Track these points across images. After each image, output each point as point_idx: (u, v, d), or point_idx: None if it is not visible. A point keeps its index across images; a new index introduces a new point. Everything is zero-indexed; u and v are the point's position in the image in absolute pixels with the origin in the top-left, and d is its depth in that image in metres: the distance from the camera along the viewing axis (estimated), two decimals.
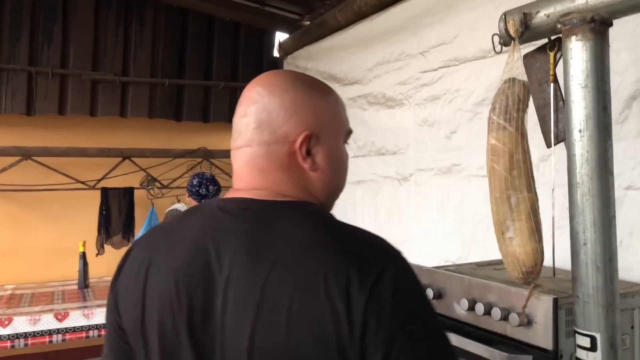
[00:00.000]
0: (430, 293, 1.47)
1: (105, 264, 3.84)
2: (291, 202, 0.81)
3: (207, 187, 3.08)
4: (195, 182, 3.10)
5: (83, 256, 3.49)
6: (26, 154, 3.50)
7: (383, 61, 2.65)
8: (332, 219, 0.81)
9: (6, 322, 2.61)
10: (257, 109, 0.82)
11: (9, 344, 2.60)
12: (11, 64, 3.42)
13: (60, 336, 2.70)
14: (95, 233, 3.72)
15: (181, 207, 3.44)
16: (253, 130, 0.82)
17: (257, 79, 0.87)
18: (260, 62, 4.15)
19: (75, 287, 3.52)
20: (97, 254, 3.69)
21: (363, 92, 2.81)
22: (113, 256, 3.79)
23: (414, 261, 0.90)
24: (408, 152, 2.41)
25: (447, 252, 2.13)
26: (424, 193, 2.28)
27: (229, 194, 0.85)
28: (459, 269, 1.54)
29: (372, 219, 2.58)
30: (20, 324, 2.63)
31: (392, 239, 0.79)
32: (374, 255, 0.74)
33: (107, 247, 3.72)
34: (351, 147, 2.99)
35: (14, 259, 3.76)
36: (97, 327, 2.77)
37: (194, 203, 3.03)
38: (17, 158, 3.51)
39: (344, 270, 0.70)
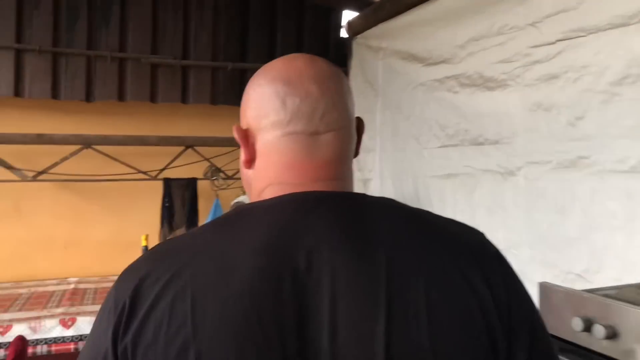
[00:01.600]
0: (578, 325, 1.14)
1: None
2: (366, 195, 0.73)
3: None
4: None
5: (146, 250, 3.32)
6: (86, 143, 3.36)
7: (479, 36, 2.29)
8: (413, 208, 0.73)
9: (69, 323, 2.46)
10: (328, 89, 0.72)
11: (72, 346, 2.45)
12: (70, 48, 3.27)
13: None
14: (158, 226, 3.55)
15: (247, 199, 3.21)
16: (327, 114, 0.71)
17: (299, 58, 0.75)
18: (326, 43, 3.87)
19: None
20: None
21: (453, 73, 2.46)
22: None
23: (521, 271, 0.74)
24: (515, 142, 2.06)
25: (569, 263, 1.78)
26: (537, 190, 1.93)
27: (288, 189, 0.69)
28: (623, 294, 1.19)
29: (466, 218, 2.25)
30: (85, 325, 2.48)
31: (495, 242, 0.72)
32: (482, 239, 0.72)
33: None
34: (438, 136, 2.67)
35: (77, 251, 3.67)
36: None
37: None
38: (77, 147, 3.37)
39: (472, 255, 0.68)
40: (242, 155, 0.75)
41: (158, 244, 0.74)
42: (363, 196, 0.72)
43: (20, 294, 3.03)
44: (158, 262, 0.65)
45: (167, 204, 3.55)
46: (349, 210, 0.68)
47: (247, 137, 0.74)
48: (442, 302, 0.63)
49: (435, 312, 0.62)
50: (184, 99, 3.57)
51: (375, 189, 3.09)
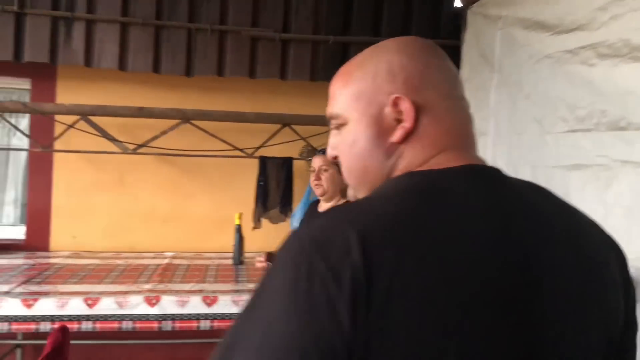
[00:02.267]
0: None
1: (262, 239, 3.60)
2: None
3: None
4: None
5: (239, 229, 3.24)
6: (185, 117, 3.32)
7: None
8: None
9: (154, 301, 2.41)
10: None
11: (156, 324, 2.40)
12: (171, 21, 3.23)
13: (208, 322, 2.44)
14: (252, 205, 3.46)
15: None
16: (459, 84, 0.76)
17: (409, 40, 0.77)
18: (437, 14, 3.52)
19: (231, 261, 3.31)
20: (254, 228, 3.44)
21: (590, 42, 2.03)
22: (270, 231, 3.54)
23: None
24: None
25: None
26: None
27: (458, 160, 0.69)
28: None
29: (597, 219, 1.85)
30: (169, 305, 2.42)
31: (635, 249, 0.70)
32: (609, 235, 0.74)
33: (264, 222, 3.45)
34: (565, 118, 2.24)
35: (175, 226, 3.69)
36: None
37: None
38: (176, 121, 3.34)
39: (615, 250, 0.72)
40: (399, 130, 0.71)
41: (344, 207, 0.66)
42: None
43: (117, 266, 3.08)
44: (371, 222, 0.59)
45: (261, 183, 3.44)
46: (525, 193, 0.71)
47: (398, 104, 0.71)
48: (597, 297, 0.66)
49: (594, 309, 0.66)
50: (282, 75, 3.42)
51: None
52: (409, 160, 0.72)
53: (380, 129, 0.72)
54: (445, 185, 0.66)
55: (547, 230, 0.67)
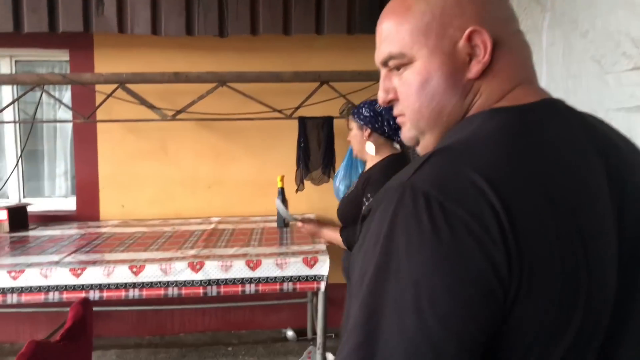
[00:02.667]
0: None
1: (306, 201, 3.55)
2: None
3: (372, 106, 2.19)
4: (363, 108, 2.21)
5: (282, 192, 3.18)
6: (221, 80, 3.24)
7: None
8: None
9: (197, 267, 2.40)
10: None
11: (201, 290, 2.40)
12: None
13: (252, 286, 2.42)
14: (294, 167, 3.39)
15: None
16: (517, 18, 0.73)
17: None
18: None
19: (275, 224, 3.28)
20: (297, 190, 3.38)
21: None
22: (313, 193, 3.47)
23: None
24: None
25: None
26: None
27: (534, 95, 0.69)
28: None
29: None
30: (212, 270, 2.41)
31: None
32: None
33: (307, 183, 3.38)
34: (629, 55, 2.02)
35: (219, 191, 3.68)
36: (290, 279, 2.43)
37: (380, 141, 2.22)
38: (212, 85, 3.28)
39: None
40: (476, 65, 0.68)
41: (445, 153, 0.63)
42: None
43: (164, 233, 3.10)
44: (488, 166, 0.58)
45: (302, 144, 3.35)
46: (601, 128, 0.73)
47: (474, 38, 0.68)
48: None
49: None
50: (318, 30, 3.27)
51: None
52: (486, 96, 0.69)
53: (455, 65, 0.68)
54: (535, 121, 0.65)
55: (631, 158, 0.70)
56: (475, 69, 0.68)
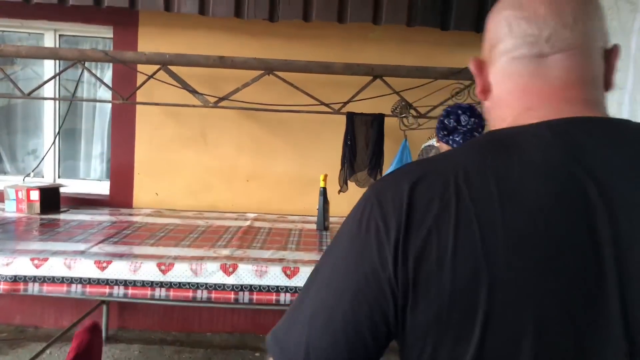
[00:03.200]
0: None
1: (348, 203, 3.30)
2: (630, 120, 0.69)
3: (457, 116, 2.07)
4: (444, 114, 2.15)
5: (323, 192, 2.96)
6: (268, 68, 3.04)
7: None
8: None
9: (230, 270, 2.21)
10: (560, 8, 0.69)
11: (232, 295, 2.20)
12: None
13: (288, 295, 2.21)
14: (338, 166, 3.16)
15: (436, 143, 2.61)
16: (555, 35, 0.69)
17: None
18: None
19: (314, 225, 3.07)
20: (340, 191, 3.15)
21: None
22: (356, 195, 3.23)
23: None
24: None
25: None
26: None
27: (535, 114, 0.69)
28: None
29: None
30: (246, 274, 2.21)
31: None
32: None
33: (351, 184, 3.15)
34: None
35: (257, 186, 3.49)
36: None
37: (445, 147, 2.12)
38: (259, 72, 3.08)
39: None
40: (477, 86, 0.77)
41: (409, 164, 0.70)
42: (627, 122, 0.66)
43: (197, 227, 2.92)
44: (424, 180, 0.63)
45: (349, 142, 3.12)
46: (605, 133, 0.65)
47: (482, 67, 0.76)
48: None
49: None
50: (375, 19, 3.02)
51: None
52: (494, 117, 0.75)
53: (477, 85, 0.78)
54: (509, 141, 0.65)
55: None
56: (479, 95, 0.78)
